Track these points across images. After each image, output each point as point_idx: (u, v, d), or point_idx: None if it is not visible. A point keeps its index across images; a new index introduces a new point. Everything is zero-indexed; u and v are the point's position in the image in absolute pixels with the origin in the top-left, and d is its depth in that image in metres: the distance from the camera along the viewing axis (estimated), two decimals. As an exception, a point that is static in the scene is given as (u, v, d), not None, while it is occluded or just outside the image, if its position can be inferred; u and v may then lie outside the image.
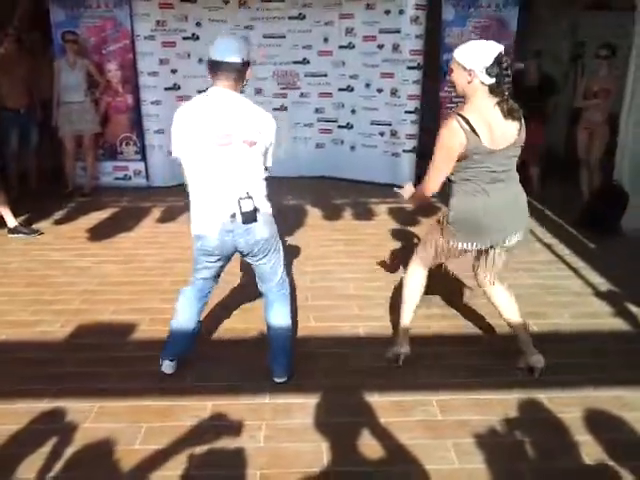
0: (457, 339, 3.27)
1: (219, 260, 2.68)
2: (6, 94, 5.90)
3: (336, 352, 3.12)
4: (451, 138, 2.46)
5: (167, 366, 2.87)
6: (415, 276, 2.92)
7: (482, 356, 3.07)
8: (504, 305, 2.88)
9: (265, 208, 2.60)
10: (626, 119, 5.15)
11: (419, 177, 6.63)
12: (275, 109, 7.16)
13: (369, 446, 2.39)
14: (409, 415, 2.59)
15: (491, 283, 2.86)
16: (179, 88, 6.80)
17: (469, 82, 2.49)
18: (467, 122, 2.43)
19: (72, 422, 2.53)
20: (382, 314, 3.55)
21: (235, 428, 2.49)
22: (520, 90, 5.87)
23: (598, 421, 2.53)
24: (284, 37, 6.98)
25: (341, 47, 6.89)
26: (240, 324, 3.43)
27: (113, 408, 2.63)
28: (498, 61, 2.42)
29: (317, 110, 7.22)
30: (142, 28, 6.46)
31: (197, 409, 2.62)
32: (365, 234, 5.16)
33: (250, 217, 2.49)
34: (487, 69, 2.42)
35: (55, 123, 6.20)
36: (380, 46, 6.65)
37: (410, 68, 6.52)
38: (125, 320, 3.46)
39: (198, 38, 6.81)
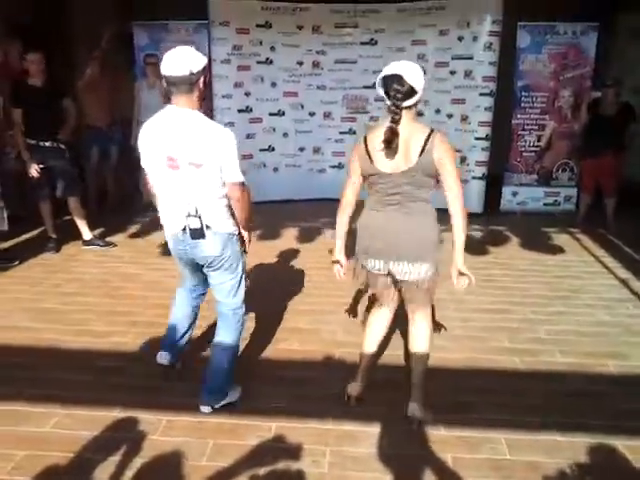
0: (526, 375, 3.15)
1: (185, 265, 2.80)
2: (90, 113, 6.23)
3: (403, 382, 3.04)
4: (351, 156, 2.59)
5: (160, 356, 2.99)
6: (372, 314, 2.87)
7: (552, 396, 2.95)
8: (411, 338, 2.74)
9: (220, 227, 2.59)
10: None
11: (486, 205, 6.63)
12: (343, 132, 7.27)
13: (435, 481, 2.33)
14: (476, 452, 2.51)
15: (411, 310, 2.72)
16: (251, 110, 7.00)
17: (415, 106, 2.48)
18: (365, 142, 2.52)
19: (142, 433, 2.61)
20: (448, 345, 3.47)
21: (298, 452, 2.49)
22: (597, 119, 5.76)
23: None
24: (355, 62, 7.07)
25: (412, 73, 6.89)
26: (305, 346, 3.44)
27: (181, 422, 2.69)
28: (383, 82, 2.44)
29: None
30: (219, 52, 6.71)
31: (262, 429, 2.64)
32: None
33: (197, 234, 2.57)
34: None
35: (134, 141, 6.47)
36: (452, 72, 6.63)
37: (482, 95, 6.46)
38: (196, 334, 3.53)
39: (272, 62, 7.00)
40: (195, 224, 2.55)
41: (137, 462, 2.42)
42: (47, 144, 4.95)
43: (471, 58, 6.45)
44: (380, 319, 2.83)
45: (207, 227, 2.56)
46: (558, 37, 6.46)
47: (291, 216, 6.46)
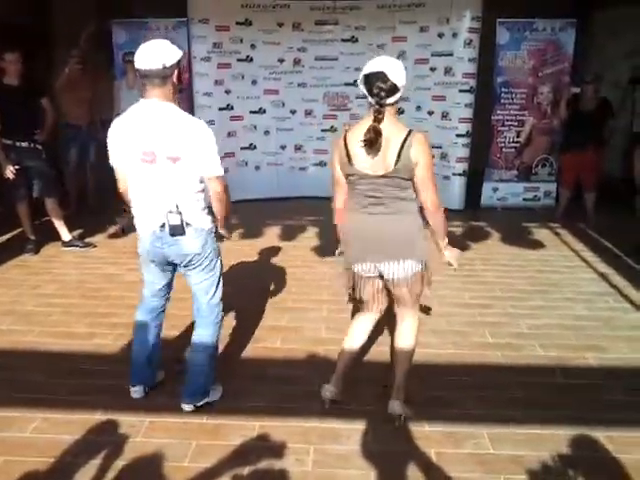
0: (507, 369, 3.18)
1: (156, 266, 2.70)
2: (68, 111, 6.14)
3: (386, 378, 3.06)
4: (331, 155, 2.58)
5: (133, 391, 2.86)
6: (356, 319, 2.84)
7: (533, 389, 2.98)
8: (396, 335, 2.75)
9: (199, 223, 2.56)
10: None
11: (467, 201, 6.67)
12: (324, 130, 7.25)
13: (419, 477, 2.34)
14: (460, 447, 2.53)
15: (401, 317, 2.72)
16: (232, 108, 6.96)
17: (394, 103, 2.45)
18: (345, 140, 2.49)
19: (124, 435, 2.58)
20: (432, 341, 3.47)
21: (282, 450, 2.48)
22: (576, 114, 5.82)
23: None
24: (336, 59, 7.06)
25: (393, 70, 6.91)
26: (287, 344, 3.43)
27: (163, 424, 2.67)
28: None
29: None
30: (199, 50, 6.66)
31: (245, 429, 2.62)
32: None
33: (177, 230, 2.50)
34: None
35: (114, 140, 6.40)
36: (432, 69, 6.66)
37: (462, 91, 6.50)
38: (176, 335, 3.52)
39: (252, 60, 6.96)
40: (175, 220, 2.49)
41: (119, 464, 2.39)
42: (24, 144, 4.86)
43: (451, 55, 6.48)
44: (364, 324, 2.80)
45: (187, 224, 2.51)
46: (537, 34, 6.52)
47: (273, 214, 6.44)
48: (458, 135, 6.63)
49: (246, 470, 2.36)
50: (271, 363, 3.23)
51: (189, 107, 6.81)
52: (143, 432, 2.60)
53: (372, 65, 2.41)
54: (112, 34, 6.73)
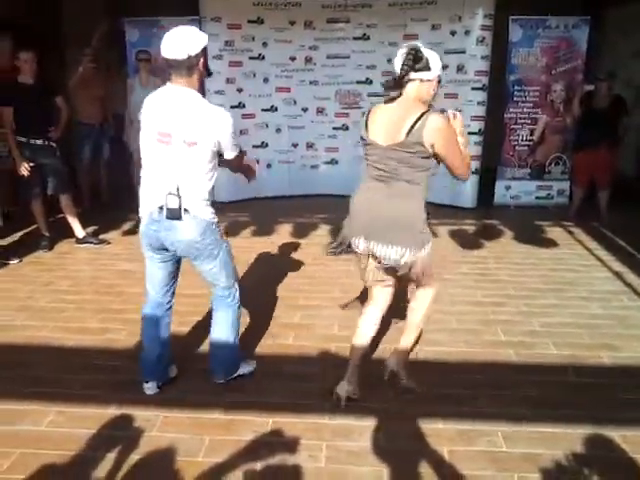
0: (520, 367, 3.16)
1: (155, 254, 2.70)
2: (82, 109, 6.20)
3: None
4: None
5: (146, 387, 2.87)
6: (363, 312, 2.84)
7: (546, 387, 2.96)
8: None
9: (199, 211, 2.56)
10: None
11: (480, 199, 6.64)
12: (336, 128, 7.25)
13: (431, 474, 2.33)
14: (473, 445, 2.52)
15: (412, 298, 2.83)
16: (244, 106, 6.97)
17: (434, 88, 2.61)
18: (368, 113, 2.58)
19: (138, 429, 2.60)
20: (442, 339, 3.47)
21: (295, 446, 2.49)
22: (590, 112, 5.77)
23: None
24: (348, 57, 7.06)
25: (405, 67, 6.89)
26: (299, 341, 3.44)
27: (177, 419, 2.68)
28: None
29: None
30: (211, 48, 6.50)
31: (258, 425, 2.63)
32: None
33: (174, 214, 2.50)
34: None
35: (127, 138, 6.46)
36: (444, 67, 6.57)
37: (475, 89, 6.47)
38: (189, 332, 3.54)
39: (264, 58, 6.98)
40: (173, 203, 2.49)
41: (133, 459, 2.41)
42: (38, 142, 4.91)
43: (463, 52, 6.46)
44: (369, 318, 2.80)
45: (185, 210, 2.51)
46: (550, 31, 6.48)
47: (284, 212, 6.45)
48: (470, 133, 6.56)
49: (259, 465, 2.37)
50: (284, 360, 3.24)
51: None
52: (158, 427, 2.62)
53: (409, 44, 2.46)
54: (125, 33, 6.77)
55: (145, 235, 2.66)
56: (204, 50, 2.47)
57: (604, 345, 3.37)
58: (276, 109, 7.15)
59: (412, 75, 2.44)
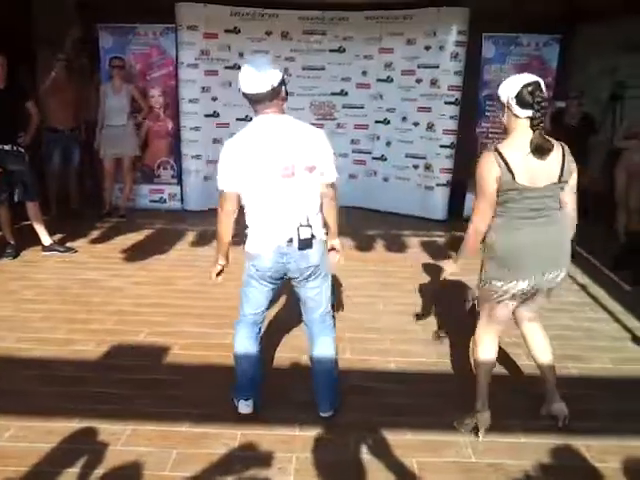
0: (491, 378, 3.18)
1: (269, 284, 2.64)
2: (53, 115, 6.09)
3: (368, 387, 3.08)
4: (486, 171, 2.39)
5: (243, 406, 2.79)
6: (484, 341, 2.74)
7: (516, 398, 2.99)
8: (538, 346, 2.80)
9: (320, 235, 2.56)
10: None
11: (450, 211, 6.72)
12: (311, 139, 7.27)
13: (401, 486, 2.34)
14: (442, 455, 2.53)
15: (529, 320, 2.78)
16: (218, 115, 6.94)
17: (503, 115, 2.47)
18: (501, 156, 2.36)
19: (103, 443, 2.54)
20: (414, 350, 3.49)
21: (265, 460, 2.47)
22: (560, 129, 5.89)
23: (638, 474, 2.43)
24: (323, 69, 7.09)
25: (379, 80, 6.97)
26: (269, 353, 3.41)
27: (145, 432, 2.63)
28: (529, 91, 2.34)
29: (352, 141, 7.29)
30: (186, 56, 6.65)
31: (227, 438, 2.60)
32: (397, 266, 5.12)
33: (307, 244, 2.47)
34: (516, 99, 2.36)
35: (97, 145, 6.38)
36: (418, 80, 6.71)
37: (447, 103, 6.56)
38: (159, 343, 3.48)
39: (240, 68, 6.87)
40: (306, 234, 2.45)
41: (97, 473, 2.35)
42: (6, 147, 4.80)
43: (437, 67, 6.54)
44: (495, 343, 2.75)
45: (313, 237, 2.49)
46: (522, 48, 6.61)
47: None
48: (442, 146, 6.68)
49: (228, 479, 2.34)
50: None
51: (175, 113, 6.81)
52: (124, 440, 2.56)
53: (527, 76, 2.41)
54: (98, 39, 6.70)
55: (270, 269, 2.56)
56: (283, 80, 2.47)
57: (571, 356, 3.42)
58: (250, 119, 7.01)
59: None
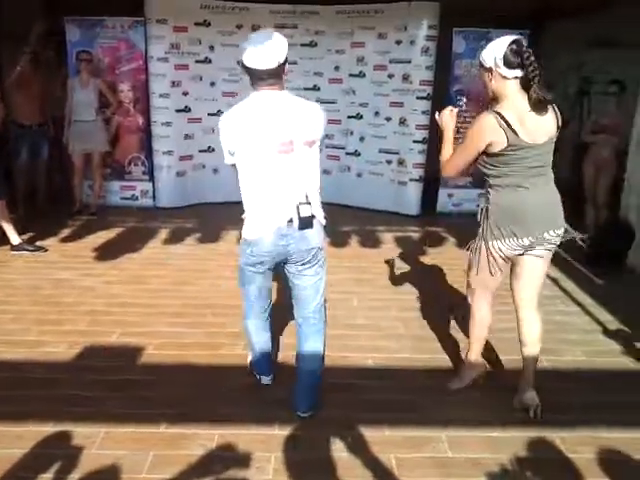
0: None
1: (268, 268, 2.61)
2: (19, 110, 5.93)
3: (346, 384, 3.08)
4: (482, 131, 2.44)
5: (265, 379, 2.98)
6: (481, 310, 2.85)
7: (493, 392, 3.03)
8: (531, 336, 2.81)
9: (320, 216, 2.52)
10: (634, 155, 5.19)
11: (423, 206, 6.77)
12: (284, 134, 7.23)
13: (380, 483, 2.35)
14: (419, 451, 2.55)
15: (529, 306, 2.78)
16: (190, 110, 6.85)
17: (490, 80, 2.48)
18: (503, 118, 2.39)
19: (77, 447, 2.49)
20: (391, 345, 3.51)
21: (243, 459, 2.45)
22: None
23: (613, 463, 2.49)
24: (295, 63, 7.03)
25: (352, 75, 6.97)
26: (242, 351, 3.38)
27: (120, 434, 2.59)
28: (515, 51, 2.36)
29: (325, 137, 7.18)
30: (156, 50, 6.53)
31: (204, 438, 2.57)
32: (372, 262, 5.14)
33: (307, 223, 2.42)
34: (503, 60, 2.38)
35: (66, 140, 6.23)
36: (390, 75, 6.73)
37: (419, 98, 6.59)
38: (132, 343, 3.43)
39: (210, 62, 6.89)
40: (306, 212, 2.39)
41: (72, 478, 2.30)
42: (-30, 144, 4.67)
43: (409, 62, 6.56)
44: (489, 303, 2.86)
45: (313, 216, 2.44)
46: (491, 43, 6.68)
47: (231, 218, 6.35)
48: (415, 141, 6.71)
49: (205, 480, 2.32)
50: (230, 371, 3.17)
51: (145, 108, 6.69)
52: (98, 443, 2.52)
53: (509, 37, 2.41)
54: (65, 32, 6.53)
55: (270, 253, 2.50)
56: (287, 58, 2.42)
57: (545, 349, 3.43)
58: (223, 113, 7.05)
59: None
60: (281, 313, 3.85)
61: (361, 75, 6.91)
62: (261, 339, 2.91)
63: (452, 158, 2.62)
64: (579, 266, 5.09)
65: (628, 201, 5.26)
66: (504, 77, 2.42)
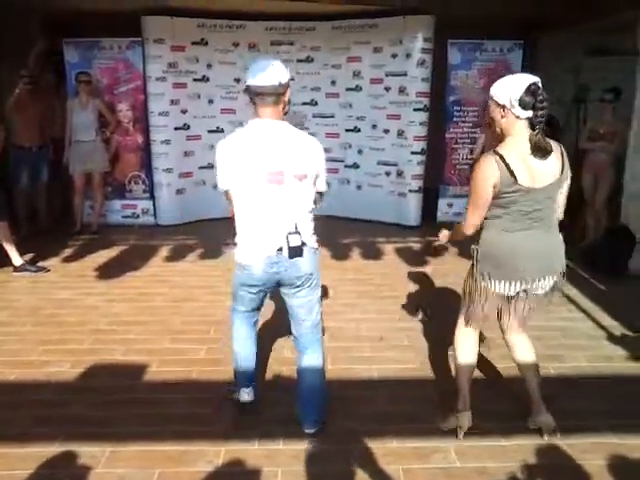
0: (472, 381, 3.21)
1: (260, 292, 2.63)
2: (19, 133, 5.98)
3: (351, 395, 3.07)
4: (485, 176, 2.38)
5: (244, 394, 2.85)
6: (465, 342, 2.77)
7: (496, 400, 3.02)
8: (523, 358, 2.75)
9: (311, 242, 2.54)
10: (632, 161, 5.22)
11: (424, 217, 6.78)
12: (282, 149, 7.27)
13: (388, 495, 2.33)
14: (428, 462, 2.53)
15: (516, 331, 2.73)
16: (189, 128, 6.90)
17: (502, 117, 2.42)
18: (503, 159, 2.34)
19: (83, 467, 2.48)
20: (395, 356, 3.51)
21: (251, 475, 2.44)
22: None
23: (621, 469, 2.47)
24: (293, 79, 7.05)
25: (348, 89, 7.03)
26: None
27: (125, 453, 2.57)
28: (531, 92, 2.32)
29: (324, 150, 7.27)
30: (154, 70, 6.59)
31: (211, 455, 2.56)
32: (373, 274, 5.15)
33: (297, 252, 2.45)
34: (519, 101, 2.33)
35: (66, 161, 6.27)
36: (387, 88, 6.78)
37: (416, 110, 6.63)
38: (136, 361, 3.42)
39: (208, 80, 6.95)
40: (295, 241, 2.43)
41: (79, 498, 2.30)
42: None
43: (405, 75, 6.62)
44: (475, 343, 2.78)
45: (304, 244, 2.46)
46: (487, 54, 6.74)
47: (232, 234, 6.37)
48: (413, 153, 6.75)
49: (213, 497, 2.31)
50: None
51: (145, 127, 6.74)
52: (104, 462, 2.50)
53: (528, 77, 2.38)
54: (63, 53, 6.60)
55: (260, 279, 2.54)
56: (288, 83, 2.45)
57: (549, 356, 3.47)
58: (222, 130, 7.09)
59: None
60: (283, 328, 3.86)
61: (357, 89, 6.97)
62: (244, 346, 2.83)
63: (468, 217, 2.53)
64: (581, 271, 5.09)
65: (627, 207, 5.28)
66: (517, 117, 2.38)
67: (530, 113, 2.34)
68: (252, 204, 2.46)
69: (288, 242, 2.43)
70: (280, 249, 2.45)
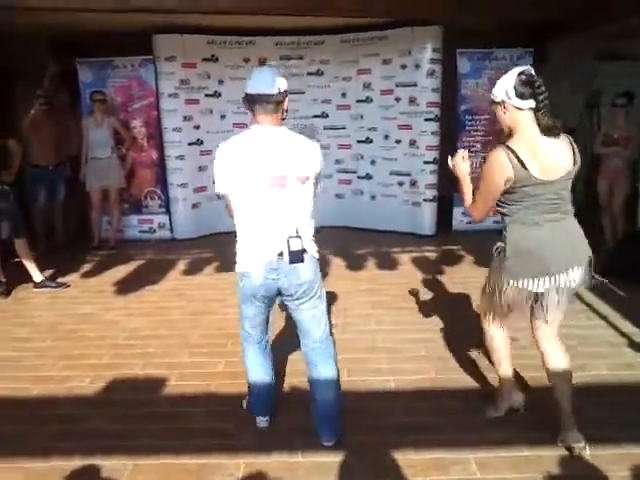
0: (490, 392, 3.20)
1: (262, 303, 2.61)
2: (35, 152, 6.09)
3: (368, 407, 3.07)
4: (495, 171, 2.39)
5: (260, 421, 2.86)
6: (496, 337, 2.80)
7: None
8: (556, 369, 2.68)
9: (312, 250, 2.53)
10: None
11: (439, 225, 6.77)
12: (295, 161, 7.32)
13: (409, 506, 2.32)
14: (447, 473, 2.52)
15: (548, 339, 2.69)
16: (202, 143, 6.98)
17: (504, 113, 2.45)
18: (514, 154, 2.34)
19: (106, 481, 2.51)
20: (412, 367, 3.49)
21: (270, 487, 2.45)
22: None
23: (646, 480, 2.44)
24: (303, 93, 7.17)
25: (359, 101, 7.07)
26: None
27: (147, 466, 2.60)
28: (524, 81, 2.35)
29: (337, 161, 7.34)
30: (166, 86, 6.69)
31: (231, 468, 2.57)
32: (388, 284, 5.14)
33: (297, 257, 2.43)
34: (515, 91, 2.36)
35: (83, 178, 6.37)
36: (397, 99, 6.81)
37: (427, 120, 6.65)
38: (155, 375, 3.45)
39: (220, 95, 7.03)
40: (296, 246, 2.42)
41: (101, 513, 2.32)
42: (-9, 186, 4.79)
43: (415, 85, 6.64)
44: (506, 338, 2.84)
45: (304, 251, 2.46)
46: (496, 62, 6.74)
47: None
48: (426, 162, 6.76)
49: (234, 510, 2.31)
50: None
51: (159, 143, 6.83)
52: (126, 476, 2.53)
53: (518, 68, 2.42)
54: (77, 73, 6.72)
55: (261, 287, 2.51)
56: (287, 92, 2.50)
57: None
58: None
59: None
60: (298, 339, 3.87)
61: (368, 100, 7.01)
62: (259, 372, 2.81)
63: (476, 204, 2.57)
64: (601, 278, 5.02)
65: (644, 211, 5.24)
66: (518, 108, 2.40)
67: (532, 103, 2.37)
68: (254, 208, 2.46)
69: (289, 246, 2.43)
70: (281, 254, 2.44)
